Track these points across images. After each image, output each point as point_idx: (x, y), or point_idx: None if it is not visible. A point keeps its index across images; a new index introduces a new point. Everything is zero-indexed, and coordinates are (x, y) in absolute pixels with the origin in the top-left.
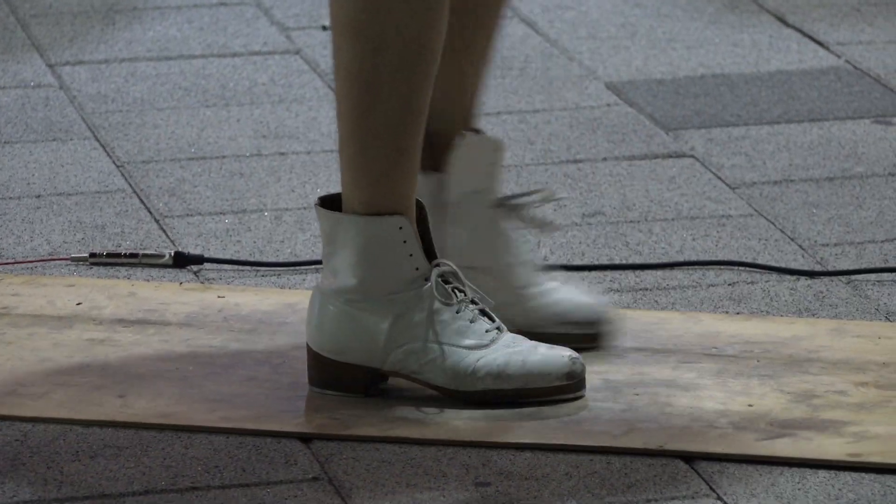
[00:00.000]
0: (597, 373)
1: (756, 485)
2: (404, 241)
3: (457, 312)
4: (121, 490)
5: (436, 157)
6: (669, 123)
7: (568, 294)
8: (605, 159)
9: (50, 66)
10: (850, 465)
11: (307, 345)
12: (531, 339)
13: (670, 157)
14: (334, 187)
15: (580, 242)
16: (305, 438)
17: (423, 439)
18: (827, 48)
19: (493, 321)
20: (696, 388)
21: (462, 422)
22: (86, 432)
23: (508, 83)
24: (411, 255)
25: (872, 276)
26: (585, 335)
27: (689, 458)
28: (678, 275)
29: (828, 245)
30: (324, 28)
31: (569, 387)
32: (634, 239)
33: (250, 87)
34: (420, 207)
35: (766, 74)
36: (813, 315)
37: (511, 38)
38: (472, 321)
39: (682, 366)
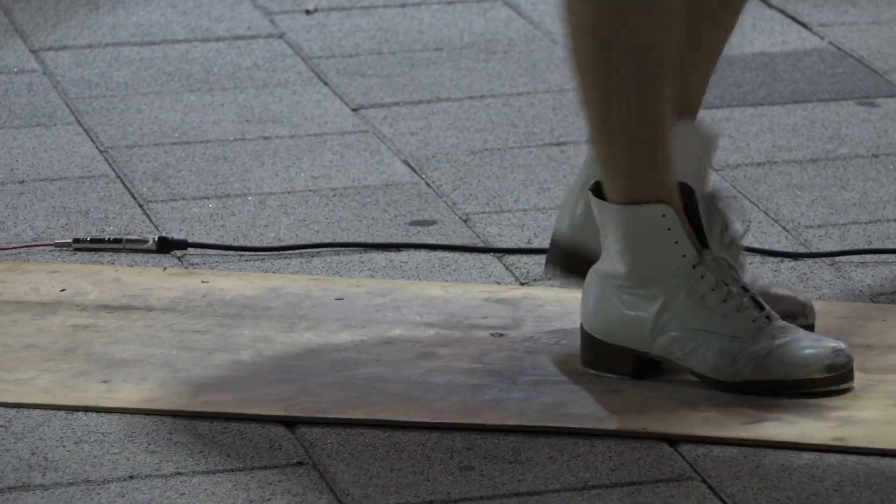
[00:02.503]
0: (580, 355)
1: (740, 467)
2: (668, 229)
3: (723, 301)
4: (105, 476)
5: None
6: None
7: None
8: (588, 142)
9: (33, 51)
10: (834, 448)
11: (581, 325)
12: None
13: None
14: (318, 171)
15: None
16: (290, 423)
17: (407, 423)
18: (810, 29)
19: (762, 309)
20: (680, 370)
21: (446, 406)
22: (70, 418)
23: (492, 66)
24: (677, 242)
25: (856, 258)
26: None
27: (674, 440)
28: None
29: (811, 227)
30: (307, 12)
31: (830, 379)
32: None
33: (234, 71)
34: (689, 193)
35: (749, 56)
36: None
37: (494, 21)
38: (738, 310)
39: None
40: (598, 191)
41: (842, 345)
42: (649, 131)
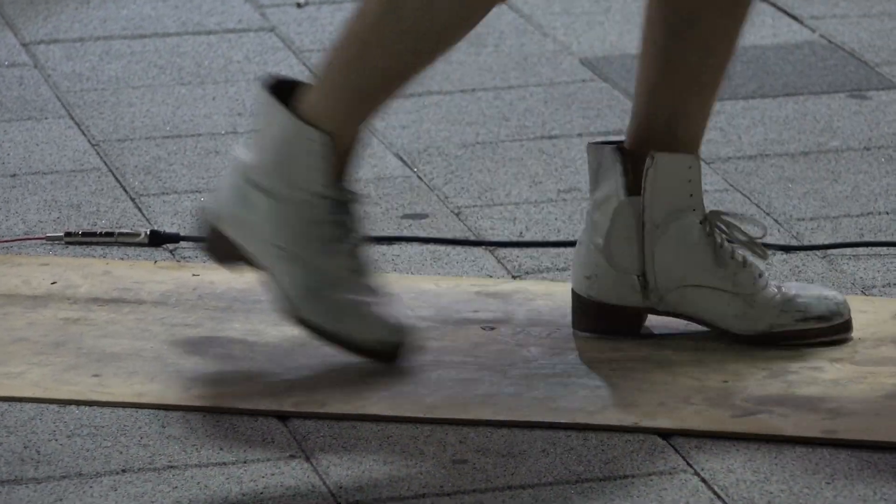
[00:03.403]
0: (572, 349)
1: (733, 460)
2: (311, 153)
3: (331, 239)
4: (98, 469)
5: (638, 181)
6: None
7: (801, 290)
8: (580, 135)
9: (24, 44)
10: (826, 441)
11: (573, 289)
12: (775, 339)
13: None
14: None
15: (556, 218)
16: (282, 417)
17: (399, 417)
18: (801, 22)
19: (361, 261)
20: (671, 363)
21: (438, 400)
22: (62, 411)
23: (483, 60)
24: (315, 170)
25: (848, 251)
26: (830, 327)
27: (666, 434)
28: None
29: (803, 219)
30: (298, 5)
31: (375, 351)
32: None
33: (225, 64)
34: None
35: (740, 49)
36: None
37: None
38: (341, 253)
39: (658, 342)
40: (279, 84)
41: (406, 324)
42: (372, 73)
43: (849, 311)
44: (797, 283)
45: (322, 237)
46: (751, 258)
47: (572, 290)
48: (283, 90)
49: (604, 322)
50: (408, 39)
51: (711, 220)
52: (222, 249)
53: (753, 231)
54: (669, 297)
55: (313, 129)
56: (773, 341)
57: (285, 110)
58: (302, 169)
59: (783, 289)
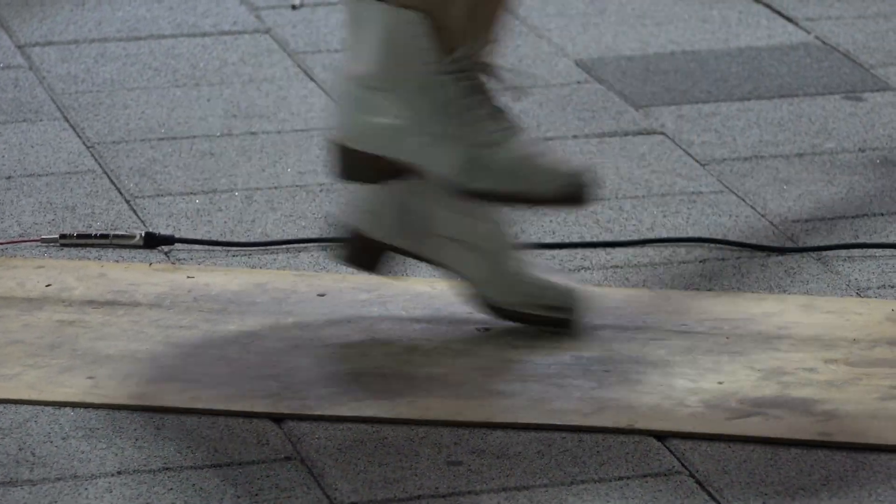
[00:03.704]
0: (566, 350)
1: (728, 462)
2: (416, 36)
3: (468, 109)
4: (93, 471)
5: None
6: (639, 100)
7: (542, 274)
8: (575, 137)
9: (19, 46)
10: (820, 443)
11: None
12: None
13: (640, 133)
14: (305, 166)
15: (550, 220)
16: (277, 418)
17: (395, 419)
18: (796, 24)
19: (505, 122)
20: (666, 365)
21: (433, 401)
22: (57, 413)
23: None
24: (424, 49)
25: (843, 252)
26: (558, 319)
27: (661, 436)
28: (649, 252)
29: (798, 221)
30: (293, 7)
31: (564, 196)
32: (605, 216)
33: (220, 66)
34: None
35: (735, 50)
36: (784, 291)
37: None
38: (483, 118)
39: (652, 343)
40: None
41: (582, 168)
42: None
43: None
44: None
45: (461, 110)
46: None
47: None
48: None
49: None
50: None
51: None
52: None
53: None
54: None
55: (410, 11)
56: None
57: (379, 4)
58: (415, 53)
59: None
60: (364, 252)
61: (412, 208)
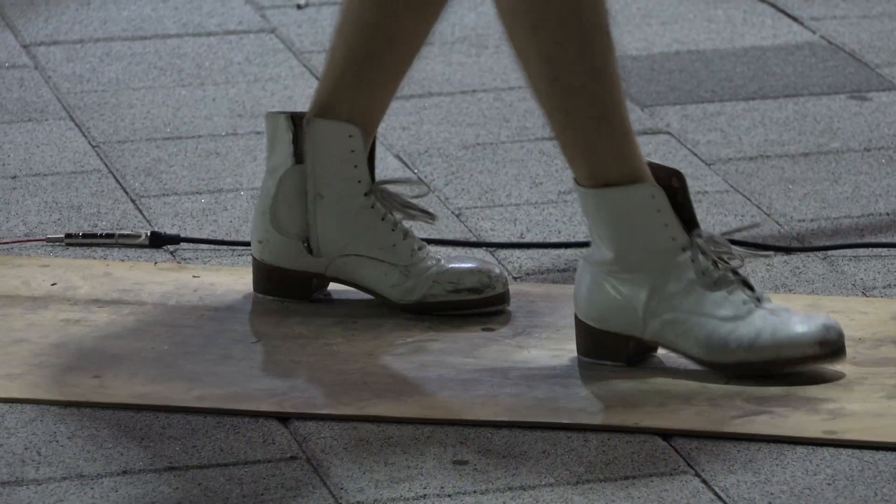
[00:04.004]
0: (571, 350)
1: (734, 461)
2: (658, 211)
3: (714, 283)
4: (99, 470)
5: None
6: (645, 100)
7: (454, 263)
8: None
9: (25, 46)
10: (826, 442)
11: (575, 314)
12: (429, 308)
13: (646, 133)
14: None
15: (556, 220)
16: (283, 418)
17: (400, 418)
18: (801, 23)
19: (753, 291)
20: (671, 364)
21: (439, 401)
22: (63, 413)
23: (484, 61)
24: (667, 224)
25: (849, 252)
26: (482, 299)
27: (667, 435)
28: None
29: (804, 221)
30: (298, 6)
31: (822, 356)
32: None
33: (226, 66)
34: (678, 176)
35: (740, 50)
36: (790, 291)
37: (486, 15)
38: (730, 292)
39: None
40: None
41: (832, 321)
42: (604, 108)
43: (504, 284)
44: (457, 256)
45: (705, 286)
46: (411, 230)
47: (252, 254)
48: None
49: (279, 286)
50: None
51: (375, 192)
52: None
53: (418, 190)
54: (334, 263)
55: (641, 185)
56: (428, 311)
57: (613, 189)
58: (656, 229)
59: (441, 261)
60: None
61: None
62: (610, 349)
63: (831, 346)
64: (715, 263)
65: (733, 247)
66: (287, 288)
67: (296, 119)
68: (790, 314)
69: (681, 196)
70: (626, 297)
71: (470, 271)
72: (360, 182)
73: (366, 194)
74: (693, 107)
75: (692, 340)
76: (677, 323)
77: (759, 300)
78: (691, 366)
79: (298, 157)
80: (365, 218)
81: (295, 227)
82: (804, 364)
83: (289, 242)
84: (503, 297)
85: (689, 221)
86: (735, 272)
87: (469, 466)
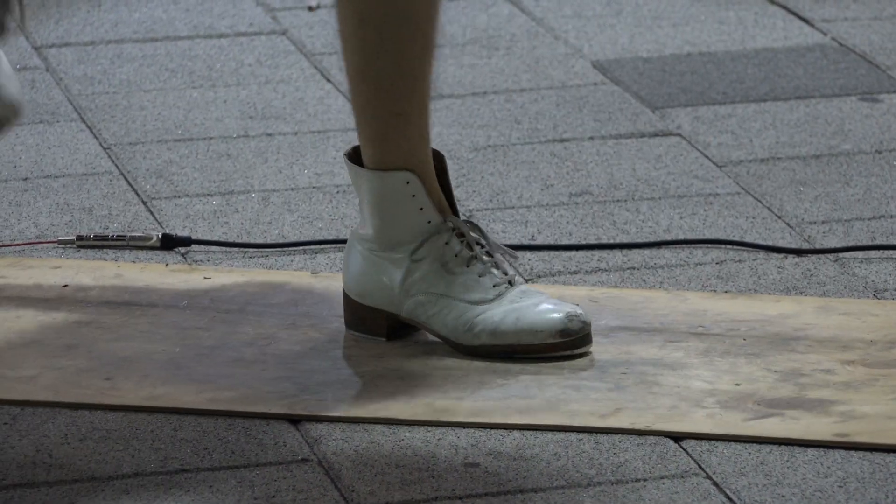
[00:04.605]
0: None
1: (745, 463)
2: (413, 196)
3: (466, 266)
4: (110, 473)
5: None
6: (656, 102)
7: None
8: (591, 138)
9: (36, 48)
10: (837, 444)
11: (342, 287)
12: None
13: (657, 135)
14: (322, 168)
15: (567, 222)
16: (294, 420)
17: (412, 420)
18: (812, 25)
19: (505, 275)
20: (683, 366)
21: (450, 403)
22: (74, 415)
23: (494, 62)
24: (421, 208)
25: (860, 254)
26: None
27: (678, 437)
28: (666, 253)
29: (815, 223)
30: (310, 9)
31: (563, 344)
32: (622, 218)
33: (237, 68)
34: (440, 160)
35: (751, 52)
36: (801, 293)
37: (497, 17)
38: (480, 275)
39: (669, 345)
40: (353, 155)
41: (578, 310)
42: (405, 103)
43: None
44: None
45: (454, 269)
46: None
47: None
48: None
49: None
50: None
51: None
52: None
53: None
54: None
55: (399, 173)
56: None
57: (367, 170)
58: (411, 213)
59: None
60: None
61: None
62: (370, 323)
63: (573, 335)
64: (469, 247)
65: (490, 234)
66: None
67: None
68: (540, 301)
69: (442, 178)
70: (385, 275)
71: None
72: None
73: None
74: (704, 109)
75: (441, 322)
76: (428, 304)
77: (510, 284)
78: (702, 368)
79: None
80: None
81: None
82: (545, 352)
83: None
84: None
85: (450, 203)
86: (489, 255)
87: (480, 469)
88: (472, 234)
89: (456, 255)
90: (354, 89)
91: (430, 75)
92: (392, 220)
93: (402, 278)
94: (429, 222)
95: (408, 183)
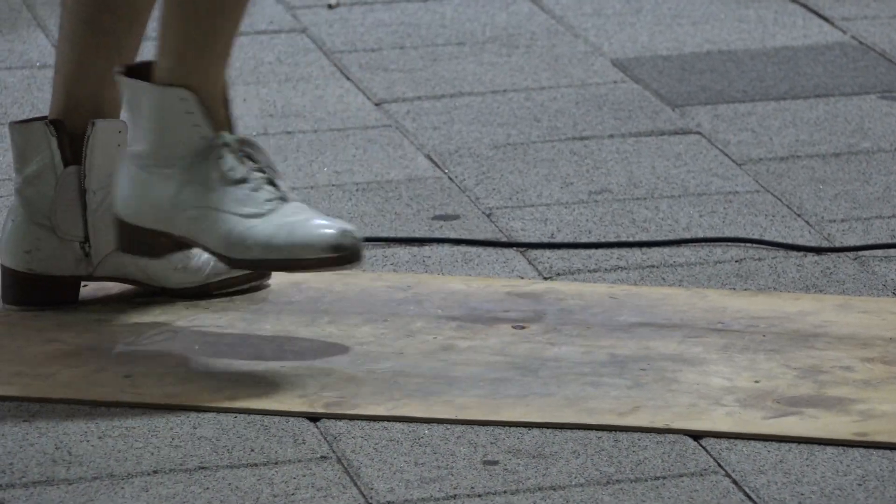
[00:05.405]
0: (602, 347)
1: (764, 461)
2: (189, 112)
3: (238, 181)
4: (129, 470)
5: (77, 151)
6: (675, 100)
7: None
8: (611, 136)
9: (55, 46)
10: (857, 443)
11: (1, 265)
12: (207, 290)
13: (677, 133)
14: (341, 166)
15: (587, 220)
16: (313, 418)
17: (431, 418)
18: (832, 23)
19: (278, 191)
20: (702, 362)
21: (469, 400)
22: (93, 412)
23: (514, 61)
24: (197, 125)
25: (879, 252)
26: (258, 272)
27: (697, 435)
28: (685, 252)
29: (835, 221)
30: (329, 6)
31: (334, 259)
32: (641, 216)
33: (256, 66)
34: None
35: (771, 50)
36: (820, 291)
37: (517, 15)
38: (254, 190)
39: (688, 340)
40: (131, 71)
41: (350, 227)
42: (205, 24)
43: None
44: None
45: (230, 183)
46: None
47: (1, 266)
48: (141, 71)
49: (40, 294)
50: None
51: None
52: (146, 242)
53: None
54: (106, 261)
55: (179, 89)
56: (209, 292)
57: (148, 84)
58: (184, 131)
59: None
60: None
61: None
62: (145, 244)
63: (345, 251)
64: (242, 162)
65: (263, 149)
66: (51, 295)
67: (56, 124)
68: (312, 217)
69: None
70: (158, 190)
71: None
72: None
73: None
74: (724, 107)
75: (214, 236)
76: (201, 218)
77: (283, 199)
78: (722, 365)
79: (67, 159)
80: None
81: (75, 229)
82: (318, 267)
83: (65, 247)
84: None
85: (228, 124)
86: (262, 171)
87: (499, 466)
88: (247, 149)
89: (229, 170)
90: (165, 3)
91: (241, 7)
92: (168, 135)
93: (174, 193)
94: (202, 138)
95: (182, 99)
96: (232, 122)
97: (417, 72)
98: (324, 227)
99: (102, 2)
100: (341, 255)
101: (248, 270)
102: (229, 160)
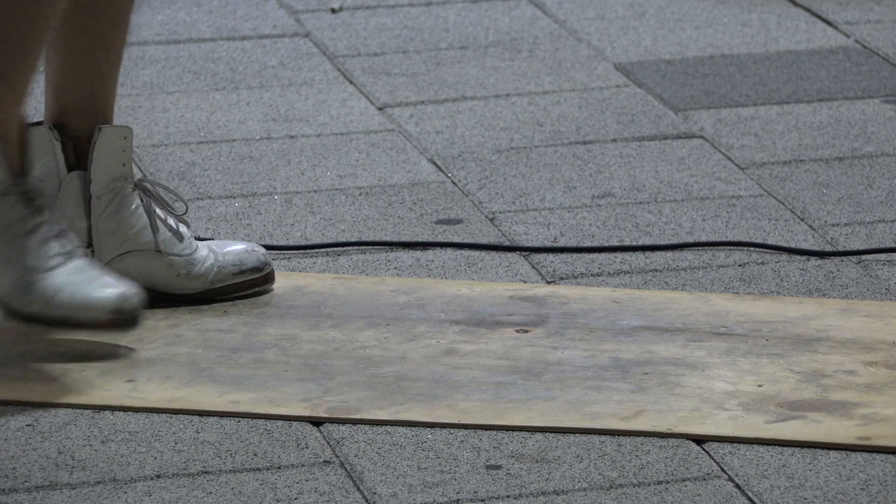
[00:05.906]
0: (605, 351)
1: (767, 466)
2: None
3: (28, 232)
4: (132, 475)
5: (80, 155)
6: (678, 104)
7: (229, 246)
8: (614, 140)
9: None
10: (860, 448)
11: None
12: (211, 295)
13: (679, 137)
14: (344, 170)
15: (590, 224)
16: (316, 422)
17: (434, 423)
18: (836, 27)
19: (66, 246)
20: (705, 366)
21: (472, 405)
22: (96, 417)
23: (517, 65)
24: None
25: (883, 256)
26: (263, 277)
27: (700, 440)
28: (688, 256)
29: (838, 225)
30: (333, 10)
31: (112, 323)
32: (644, 220)
33: (260, 70)
34: (25, 129)
35: (774, 54)
36: (823, 295)
37: (520, 19)
38: (42, 243)
39: (691, 344)
40: None
41: (133, 290)
42: (7, 66)
43: (270, 262)
44: (218, 242)
45: (19, 233)
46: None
47: None
48: None
49: None
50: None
51: (141, 188)
52: None
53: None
54: (110, 265)
55: None
56: (213, 297)
57: None
58: None
59: (212, 246)
60: None
61: None
62: None
63: (124, 315)
64: (34, 213)
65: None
66: None
67: (60, 128)
68: (96, 276)
69: (25, 146)
70: None
71: (246, 252)
72: (126, 179)
73: (132, 190)
74: (727, 111)
75: (1, 285)
76: None
77: (70, 255)
78: (725, 369)
79: (70, 164)
80: (139, 213)
81: (79, 235)
82: (96, 329)
83: None
84: (273, 274)
85: (23, 170)
86: (50, 224)
87: (502, 471)
88: (41, 201)
89: (20, 220)
90: None
91: (38, 45)
92: None
93: None
94: None
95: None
96: (27, 166)
97: (420, 76)
98: (106, 288)
99: (84, 5)
100: (118, 318)
101: (27, 322)
102: (21, 210)
